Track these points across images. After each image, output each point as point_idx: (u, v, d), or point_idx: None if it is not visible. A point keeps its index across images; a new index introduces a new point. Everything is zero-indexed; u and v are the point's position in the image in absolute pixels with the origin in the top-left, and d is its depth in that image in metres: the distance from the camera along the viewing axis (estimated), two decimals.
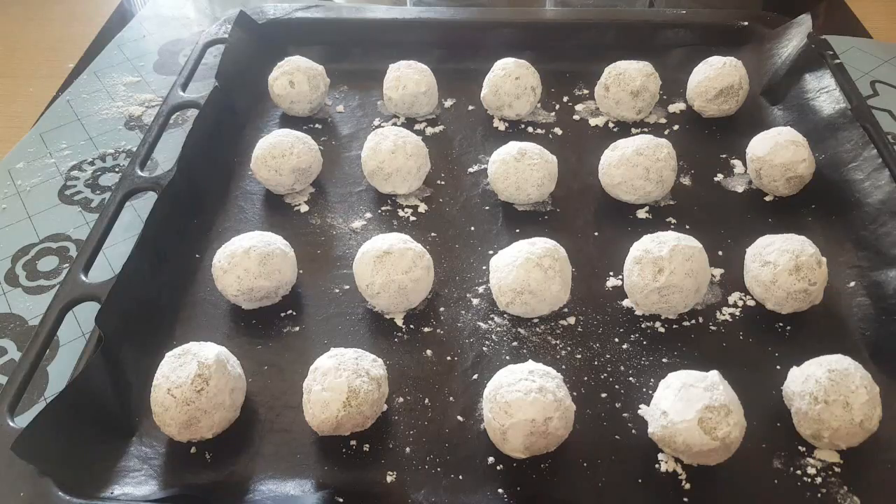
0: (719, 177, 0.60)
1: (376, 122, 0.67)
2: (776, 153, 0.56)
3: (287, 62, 0.66)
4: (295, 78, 0.64)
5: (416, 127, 0.66)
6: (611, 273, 0.53)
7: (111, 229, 0.53)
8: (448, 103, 0.69)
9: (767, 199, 0.58)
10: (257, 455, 0.43)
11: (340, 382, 0.41)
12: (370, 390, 0.42)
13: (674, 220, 0.57)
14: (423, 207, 0.59)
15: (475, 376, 0.47)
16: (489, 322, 0.50)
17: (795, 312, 0.49)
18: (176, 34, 0.86)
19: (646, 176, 0.55)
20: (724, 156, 0.63)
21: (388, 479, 0.41)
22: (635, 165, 0.55)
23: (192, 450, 0.43)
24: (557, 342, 0.49)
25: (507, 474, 0.42)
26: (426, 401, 0.45)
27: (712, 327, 0.49)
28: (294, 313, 0.51)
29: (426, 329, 0.50)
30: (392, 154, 0.56)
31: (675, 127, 0.66)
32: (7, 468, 0.40)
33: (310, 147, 0.58)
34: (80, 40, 0.86)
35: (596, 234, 0.56)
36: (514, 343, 0.49)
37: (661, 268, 0.47)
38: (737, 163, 0.62)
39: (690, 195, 0.59)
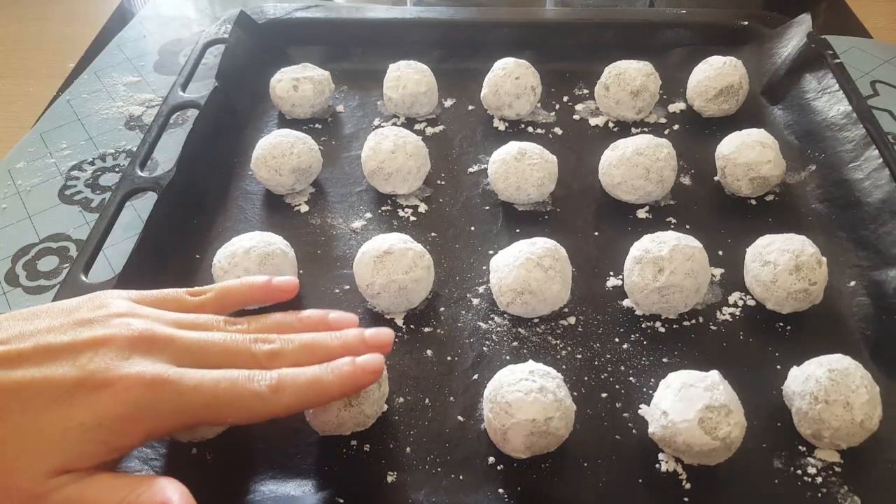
0: (719, 176, 0.60)
1: (376, 122, 0.67)
2: (741, 152, 0.56)
3: (292, 68, 0.66)
4: (299, 82, 0.64)
5: (416, 127, 0.66)
6: (611, 273, 0.53)
7: (111, 229, 0.53)
8: (448, 103, 0.69)
9: (768, 198, 0.58)
10: (258, 455, 0.43)
11: None
12: (371, 389, 0.41)
13: (674, 220, 0.57)
14: (423, 207, 0.59)
15: (475, 376, 0.47)
16: (489, 322, 0.50)
17: (795, 312, 0.49)
18: (176, 34, 0.86)
19: (646, 176, 0.55)
20: None
21: (389, 479, 0.41)
22: (635, 165, 0.55)
23: (193, 450, 0.43)
24: (558, 342, 0.49)
25: (508, 474, 0.42)
26: (426, 401, 0.45)
27: (712, 327, 0.49)
28: None
29: (426, 329, 0.50)
30: (392, 154, 0.56)
31: (676, 127, 0.66)
32: None
33: (310, 147, 0.58)
34: (80, 40, 0.86)
35: (596, 234, 0.56)
36: (515, 343, 0.49)
37: (662, 268, 0.47)
38: None
39: (690, 195, 0.59)
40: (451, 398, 0.46)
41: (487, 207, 0.59)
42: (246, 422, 0.36)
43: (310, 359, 0.38)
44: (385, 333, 0.41)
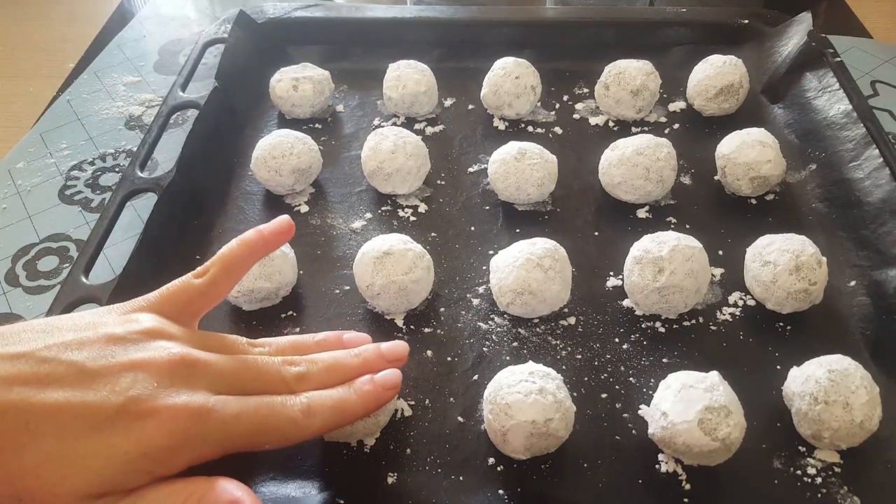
0: (719, 176, 0.60)
1: (376, 122, 0.67)
2: (741, 152, 0.56)
3: (292, 68, 0.66)
4: (299, 82, 0.64)
5: (416, 127, 0.66)
6: (611, 273, 0.53)
7: (111, 230, 0.53)
8: (448, 103, 0.69)
9: (768, 198, 0.58)
10: (258, 456, 0.43)
11: None
12: None
13: (674, 220, 0.57)
14: (423, 207, 0.59)
15: (475, 377, 0.47)
16: (489, 322, 0.50)
17: (795, 312, 0.49)
18: (176, 34, 0.86)
19: (646, 176, 0.55)
20: None
21: (389, 480, 0.41)
22: (635, 165, 0.55)
23: None
24: (558, 342, 0.49)
25: (508, 475, 0.42)
26: (426, 402, 0.45)
27: (712, 327, 0.49)
28: (294, 314, 0.51)
29: (426, 330, 0.50)
30: (392, 154, 0.56)
31: (676, 126, 0.66)
32: None
33: (310, 147, 0.58)
34: (80, 40, 0.86)
35: (596, 234, 0.56)
36: (515, 343, 0.49)
37: (662, 268, 0.47)
38: None
39: (690, 195, 0.59)
40: (451, 399, 0.46)
41: (487, 207, 0.59)
42: (277, 446, 0.36)
43: (333, 379, 0.38)
44: (401, 347, 0.41)
